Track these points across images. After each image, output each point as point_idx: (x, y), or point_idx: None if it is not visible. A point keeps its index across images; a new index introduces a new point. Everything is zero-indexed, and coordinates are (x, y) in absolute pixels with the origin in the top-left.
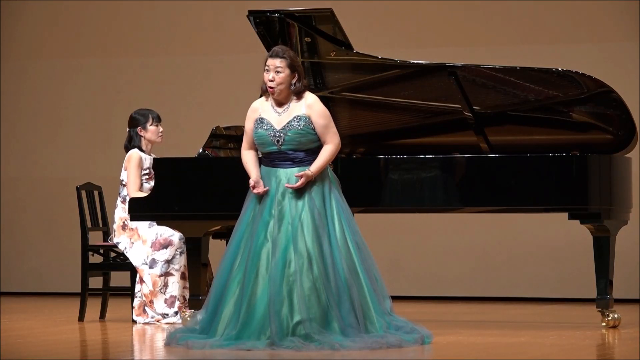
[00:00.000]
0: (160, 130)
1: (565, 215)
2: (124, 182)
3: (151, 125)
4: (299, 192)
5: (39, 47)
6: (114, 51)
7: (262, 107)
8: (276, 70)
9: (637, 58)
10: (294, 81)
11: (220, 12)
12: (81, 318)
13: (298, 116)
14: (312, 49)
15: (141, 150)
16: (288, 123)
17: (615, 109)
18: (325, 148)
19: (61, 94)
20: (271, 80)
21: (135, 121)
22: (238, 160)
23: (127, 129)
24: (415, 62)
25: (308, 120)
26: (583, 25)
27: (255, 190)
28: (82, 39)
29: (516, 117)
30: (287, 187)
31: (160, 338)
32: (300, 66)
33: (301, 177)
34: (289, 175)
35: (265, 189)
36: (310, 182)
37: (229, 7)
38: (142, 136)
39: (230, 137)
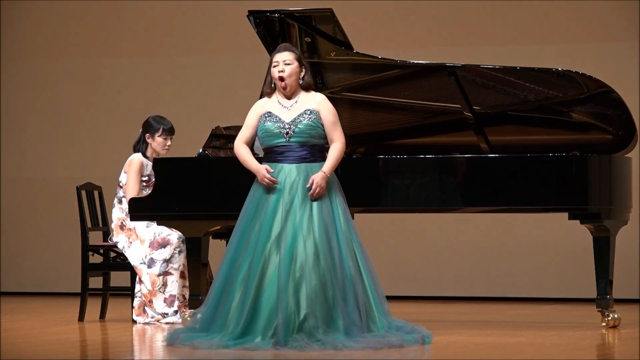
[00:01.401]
0: (167, 144)
1: (565, 215)
2: (121, 184)
3: (160, 136)
4: (306, 187)
5: (39, 47)
6: (114, 51)
7: (268, 104)
8: (285, 63)
9: (637, 58)
10: (302, 75)
11: (220, 12)
12: (81, 318)
13: (309, 110)
14: (312, 49)
15: (145, 156)
16: (299, 115)
17: (615, 109)
18: (334, 147)
19: (61, 94)
20: (281, 72)
21: (147, 126)
22: (238, 160)
23: (140, 130)
24: (415, 62)
25: (318, 115)
26: (583, 25)
27: (268, 178)
28: (82, 39)
29: (516, 117)
30: (311, 197)
31: (160, 338)
32: (306, 63)
33: (313, 182)
34: (293, 171)
35: (275, 180)
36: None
37: (229, 7)
38: (148, 143)
39: (230, 137)
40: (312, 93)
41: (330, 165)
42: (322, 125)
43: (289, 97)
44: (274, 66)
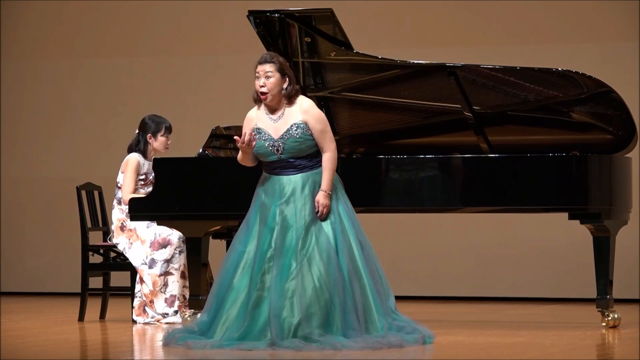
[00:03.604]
0: (168, 142)
1: (565, 215)
2: (119, 185)
3: (162, 135)
4: (304, 198)
5: (39, 47)
6: (114, 51)
7: (257, 116)
8: (266, 76)
9: (637, 58)
10: (285, 85)
11: (220, 12)
12: (81, 318)
13: (295, 124)
14: (312, 49)
15: (144, 155)
16: (286, 132)
17: (615, 109)
18: (325, 158)
19: (61, 94)
20: (262, 86)
21: (147, 127)
22: (237, 160)
23: (137, 131)
24: (415, 62)
25: (305, 127)
26: (583, 25)
27: (243, 140)
28: (82, 39)
29: (516, 117)
30: (320, 218)
31: (160, 338)
32: (290, 70)
33: (319, 203)
34: (292, 182)
35: (251, 133)
36: (314, 185)
37: (229, 7)
38: (149, 143)
39: (230, 137)
40: (298, 100)
41: (327, 181)
42: (311, 135)
43: (274, 109)
44: (256, 77)
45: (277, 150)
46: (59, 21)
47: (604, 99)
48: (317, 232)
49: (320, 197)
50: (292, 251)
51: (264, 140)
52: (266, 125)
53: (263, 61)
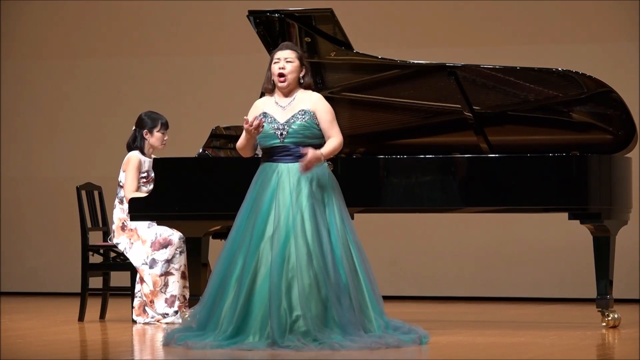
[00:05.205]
0: (165, 138)
1: (565, 215)
2: (121, 184)
3: (158, 131)
4: (300, 187)
5: (39, 47)
6: (114, 51)
7: (265, 104)
8: (287, 61)
9: (637, 58)
10: (302, 74)
11: (220, 12)
12: (81, 318)
13: (303, 110)
14: (312, 49)
15: (142, 152)
16: (293, 116)
17: (615, 109)
18: (332, 139)
19: (61, 94)
20: (282, 69)
21: (144, 123)
22: (238, 160)
23: (134, 128)
24: (415, 62)
25: (313, 115)
26: (583, 25)
27: (249, 121)
28: (82, 39)
29: (516, 117)
30: (300, 171)
31: (160, 338)
32: (307, 63)
33: (307, 154)
34: (290, 169)
35: (258, 118)
36: (311, 179)
37: (229, 7)
38: (146, 139)
39: (230, 137)
40: (309, 92)
41: (328, 149)
42: (317, 125)
43: (286, 95)
44: (275, 62)
45: (281, 134)
46: (59, 21)
47: (604, 99)
48: (316, 227)
49: (311, 151)
50: (287, 241)
51: (269, 122)
52: (273, 112)
53: (285, 48)
